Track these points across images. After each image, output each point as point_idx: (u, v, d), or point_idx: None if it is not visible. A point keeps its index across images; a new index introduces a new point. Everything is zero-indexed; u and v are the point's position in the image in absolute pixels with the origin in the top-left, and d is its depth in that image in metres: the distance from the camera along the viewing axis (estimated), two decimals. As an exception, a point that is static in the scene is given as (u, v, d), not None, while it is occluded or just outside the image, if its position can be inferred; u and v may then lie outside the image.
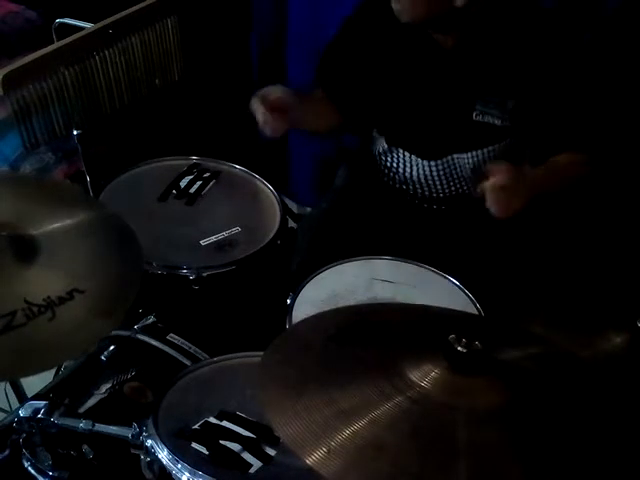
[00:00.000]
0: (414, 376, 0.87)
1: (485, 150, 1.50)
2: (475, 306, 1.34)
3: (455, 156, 1.53)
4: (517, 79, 1.43)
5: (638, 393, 0.96)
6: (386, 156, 1.61)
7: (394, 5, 1.39)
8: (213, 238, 1.48)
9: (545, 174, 1.43)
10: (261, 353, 0.98)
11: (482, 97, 1.45)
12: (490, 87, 1.44)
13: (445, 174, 1.56)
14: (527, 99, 1.44)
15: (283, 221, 1.54)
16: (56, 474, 1.18)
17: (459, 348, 0.87)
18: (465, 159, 1.53)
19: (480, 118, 1.46)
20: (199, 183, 1.63)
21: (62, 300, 0.99)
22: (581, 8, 1.75)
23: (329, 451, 0.78)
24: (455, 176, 1.56)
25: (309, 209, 2.44)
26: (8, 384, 1.62)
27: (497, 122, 1.46)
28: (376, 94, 1.56)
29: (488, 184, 1.30)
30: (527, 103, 1.44)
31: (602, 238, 1.73)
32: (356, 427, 0.81)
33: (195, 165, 1.69)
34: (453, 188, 1.57)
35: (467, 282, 1.38)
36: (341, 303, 1.32)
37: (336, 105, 1.64)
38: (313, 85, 1.67)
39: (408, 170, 1.58)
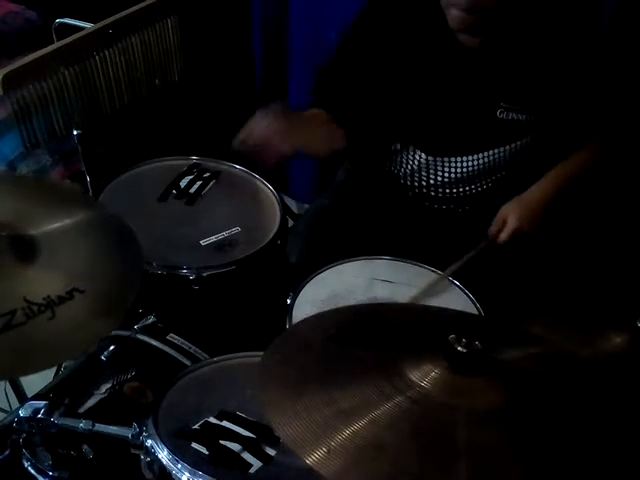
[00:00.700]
0: (414, 376, 0.87)
1: (506, 148, 1.50)
2: (475, 306, 1.34)
3: (471, 157, 1.53)
4: (541, 75, 1.43)
5: (638, 393, 0.96)
6: (397, 155, 1.60)
7: (454, 13, 1.33)
8: (213, 238, 1.48)
9: (549, 186, 1.50)
10: (261, 353, 0.98)
11: (506, 95, 1.45)
12: (515, 84, 1.44)
13: (456, 174, 1.56)
14: (551, 92, 1.44)
15: (283, 221, 1.54)
16: (56, 474, 1.18)
17: (459, 348, 0.87)
18: (479, 159, 1.53)
19: (504, 115, 1.46)
20: (199, 183, 1.63)
21: (62, 299, 0.98)
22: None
23: (329, 451, 0.78)
24: (465, 177, 1.55)
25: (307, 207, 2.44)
26: (8, 384, 1.62)
27: (522, 117, 1.46)
28: (393, 97, 1.52)
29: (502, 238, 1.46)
30: (551, 96, 1.44)
31: (602, 238, 1.73)
32: (356, 427, 0.81)
33: (195, 165, 1.69)
34: (461, 189, 1.57)
35: (467, 282, 1.39)
36: (341, 303, 1.32)
37: (340, 121, 1.49)
38: (311, 105, 1.55)
39: (416, 168, 1.58)
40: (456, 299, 1.35)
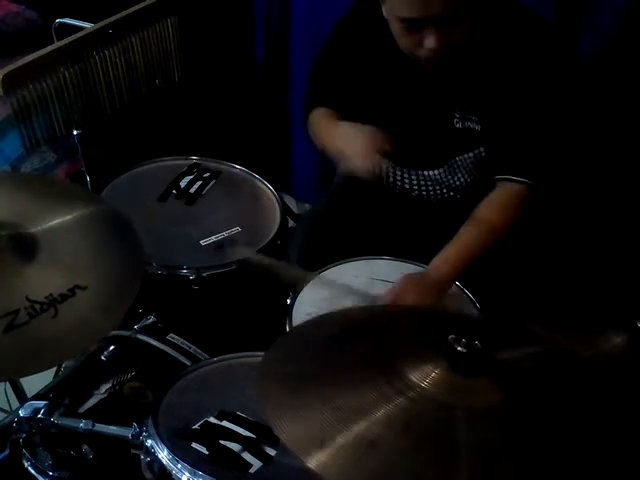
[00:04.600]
0: (414, 376, 0.87)
1: (466, 155, 1.49)
2: (475, 306, 1.34)
3: (436, 170, 1.53)
4: (491, 86, 1.39)
5: (638, 393, 0.96)
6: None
7: (423, 53, 1.33)
8: (213, 238, 1.48)
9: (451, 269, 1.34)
10: (261, 353, 0.98)
11: (460, 104, 1.44)
12: (468, 93, 1.42)
13: (440, 178, 1.56)
14: (497, 106, 1.39)
15: (283, 221, 1.55)
16: (56, 474, 1.18)
17: (459, 348, 0.87)
18: (443, 169, 1.53)
19: (460, 125, 1.46)
20: (199, 183, 1.63)
21: (64, 297, 0.99)
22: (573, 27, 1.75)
23: (321, 444, 0.78)
24: (453, 178, 1.55)
25: (308, 206, 2.44)
26: (8, 384, 1.62)
27: (477, 127, 1.45)
28: (362, 114, 1.53)
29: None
30: (497, 109, 1.40)
31: (601, 239, 1.73)
32: (356, 428, 0.81)
33: (195, 165, 1.69)
34: (432, 193, 1.58)
35: (466, 282, 1.38)
36: (341, 303, 1.32)
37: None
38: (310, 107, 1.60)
39: (398, 177, 1.59)
40: (455, 299, 1.35)
